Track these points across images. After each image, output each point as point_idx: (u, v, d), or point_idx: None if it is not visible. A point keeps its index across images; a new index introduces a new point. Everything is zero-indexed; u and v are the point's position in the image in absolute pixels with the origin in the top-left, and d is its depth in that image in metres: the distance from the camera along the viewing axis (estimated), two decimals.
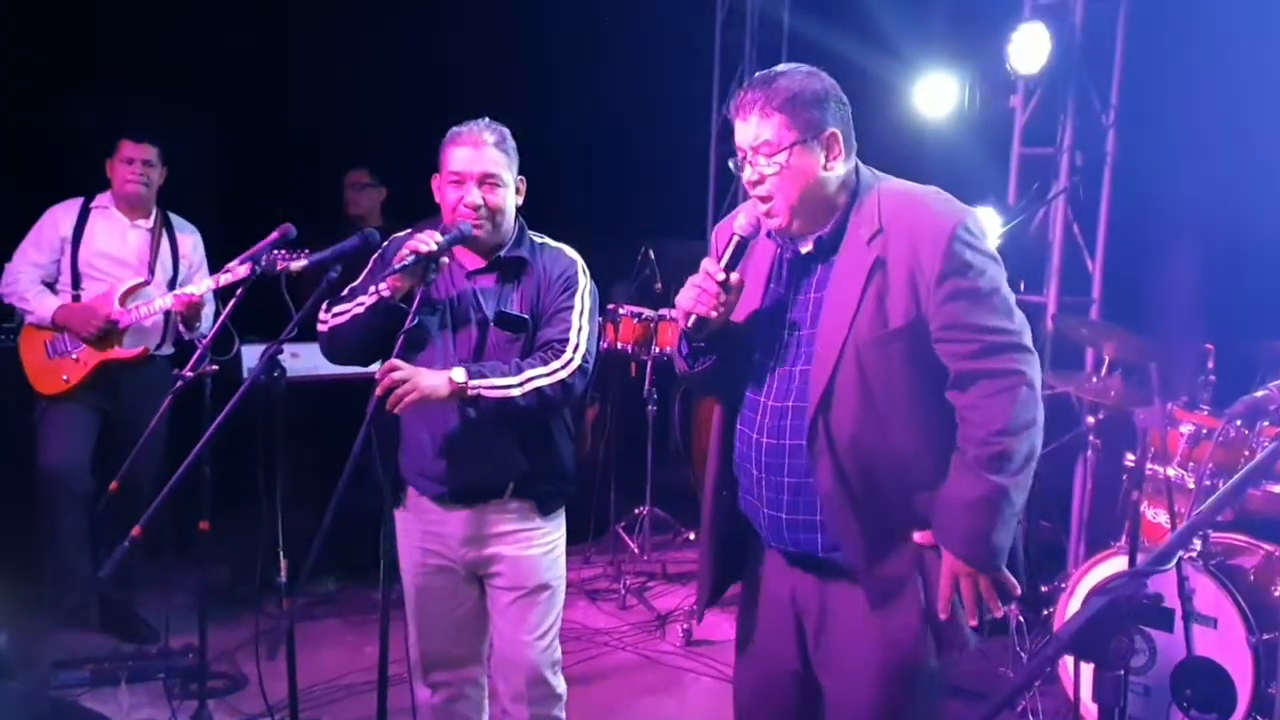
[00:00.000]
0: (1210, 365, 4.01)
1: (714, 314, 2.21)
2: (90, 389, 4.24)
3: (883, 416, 2.17)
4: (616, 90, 6.51)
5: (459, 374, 2.67)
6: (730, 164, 2.26)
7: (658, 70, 6.68)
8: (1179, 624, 3.63)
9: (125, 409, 4.25)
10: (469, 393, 2.66)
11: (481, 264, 2.85)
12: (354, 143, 5.91)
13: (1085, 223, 5.38)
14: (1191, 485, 3.81)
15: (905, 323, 2.14)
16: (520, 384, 2.70)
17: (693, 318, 2.22)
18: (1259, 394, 1.51)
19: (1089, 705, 2.73)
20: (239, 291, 3.24)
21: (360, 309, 2.75)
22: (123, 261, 4.32)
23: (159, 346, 4.39)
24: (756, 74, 2.25)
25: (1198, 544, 3.78)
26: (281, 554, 3.03)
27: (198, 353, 3.35)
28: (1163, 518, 4.19)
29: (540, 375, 2.71)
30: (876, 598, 2.21)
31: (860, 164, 2.28)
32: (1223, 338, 4.65)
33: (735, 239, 2.25)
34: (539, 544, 2.86)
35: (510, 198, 2.81)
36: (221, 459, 3.34)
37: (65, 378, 4.20)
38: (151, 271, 4.35)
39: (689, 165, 7.29)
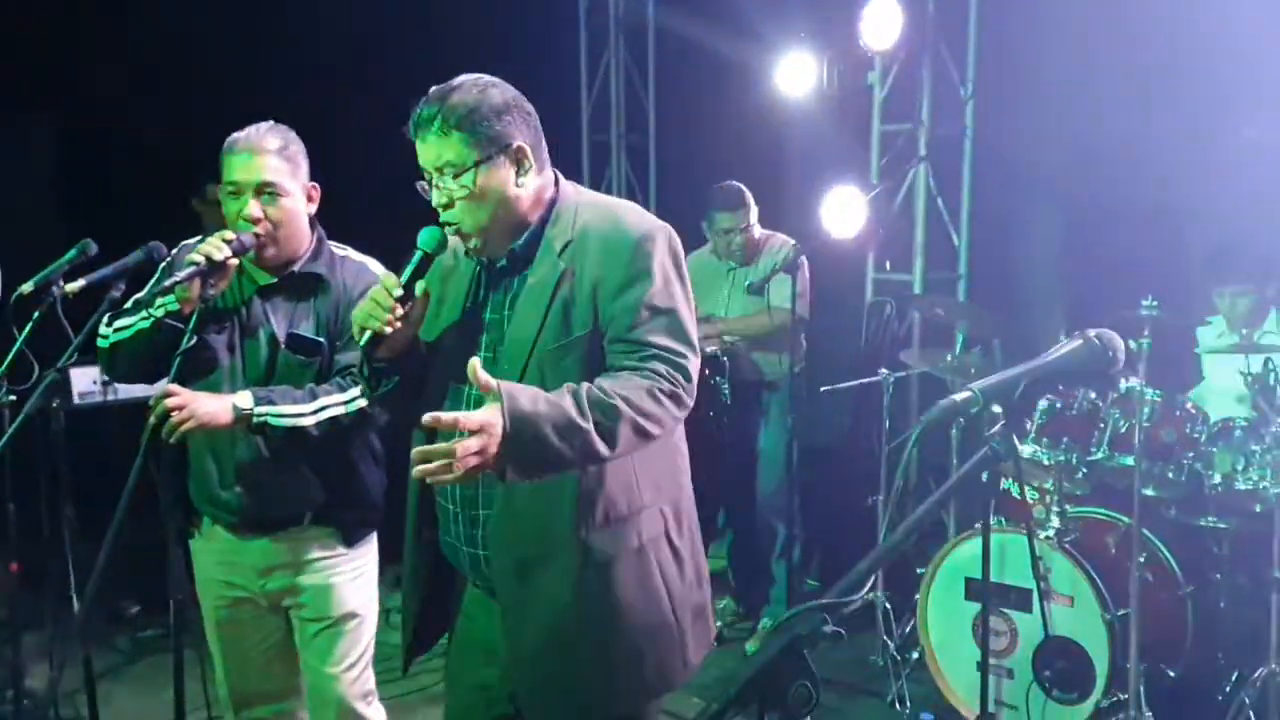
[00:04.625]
0: (1062, 336, 3.94)
1: (388, 330, 2.04)
2: None
3: None
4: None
5: (244, 399, 2.49)
6: (418, 187, 2.10)
7: (524, 61, 6.51)
8: (1038, 604, 3.59)
9: None
10: (255, 420, 2.47)
11: (272, 280, 2.65)
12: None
13: (949, 198, 5.34)
14: (1047, 461, 3.76)
15: (584, 332, 2.05)
16: (313, 412, 2.52)
17: (367, 334, 2.05)
18: (958, 397, 1.38)
19: None
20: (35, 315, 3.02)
21: (146, 323, 2.55)
22: None
23: None
24: (431, 89, 2.08)
25: (1056, 521, 3.74)
26: (74, 594, 2.81)
27: None
28: (1030, 494, 4.15)
29: (335, 403, 2.54)
30: None
31: (560, 176, 2.18)
32: (1079, 307, 4.65)
33: (418, 254, 2.10)
34: (343, 571, 2.69)
35: (294, 208, 2.61)
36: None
37: None
38: None
39: (564, 150, 7.13)
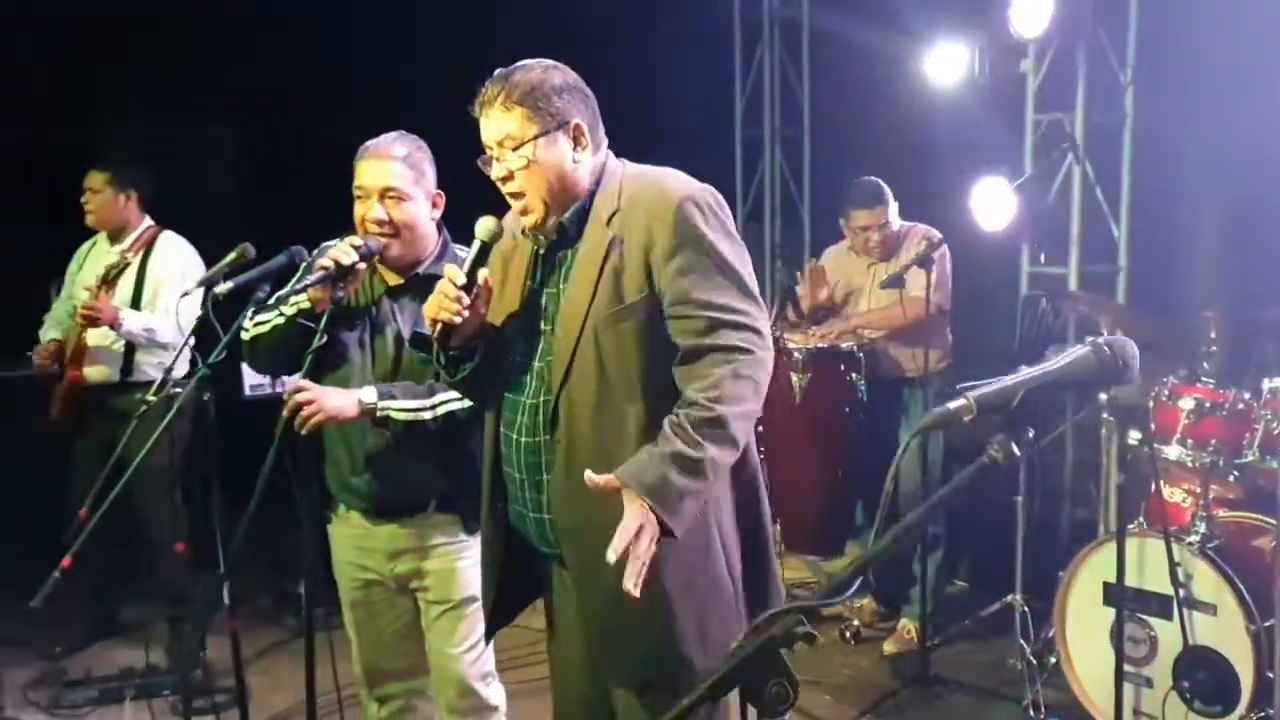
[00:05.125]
0: (1212, 335, 3.77)
1: (458, 319, 2.17)
2: (90, 418, 4.37)
3: (616, 398, 2.13)
4: (640, 75, 6.43)
5: (368, 394, 2.65)
6: (479, 162, 2.22)
7: (680, 53, 6.61)
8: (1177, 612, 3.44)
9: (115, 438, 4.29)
10: (378, 414, 2.64)
11: (400, 281, 2.82)
12: None
13: (1107, 188, 5.14)
14: (1192, 464, 3.60)
15: (638, 298, 2.11)
16: (431, 407, 2.67)
17: (439, 326, 2.18)
18: (952, 405, 1.38)
19: None
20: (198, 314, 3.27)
21: (281, 320, 2.75)
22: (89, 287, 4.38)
23: (125, 372, 4.43)
24: (496, 70, 2.20)
25: (1202, 526, 3.58)
26: (223, 574, 3.06)
27: (159, 378, 3.43)
28: (1179, 496, 3.99)
29: (453, 399, 2.67)
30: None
31: (612, 155, 2.27)
32: (1242, 304, 4.41)
33: (477, 244, 2.22)
34: (465, 556, 2.82)
35: (418, 212, 2.76)
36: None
37: (53, 410, 4.36)
38: (103, 293, 4.32)
39: (718, 144, 7.20)
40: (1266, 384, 3.42)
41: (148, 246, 4.48)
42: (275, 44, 6.02)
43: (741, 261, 2.14)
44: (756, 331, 2.08)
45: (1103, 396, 4.37)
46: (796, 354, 4.35)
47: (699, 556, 2.18)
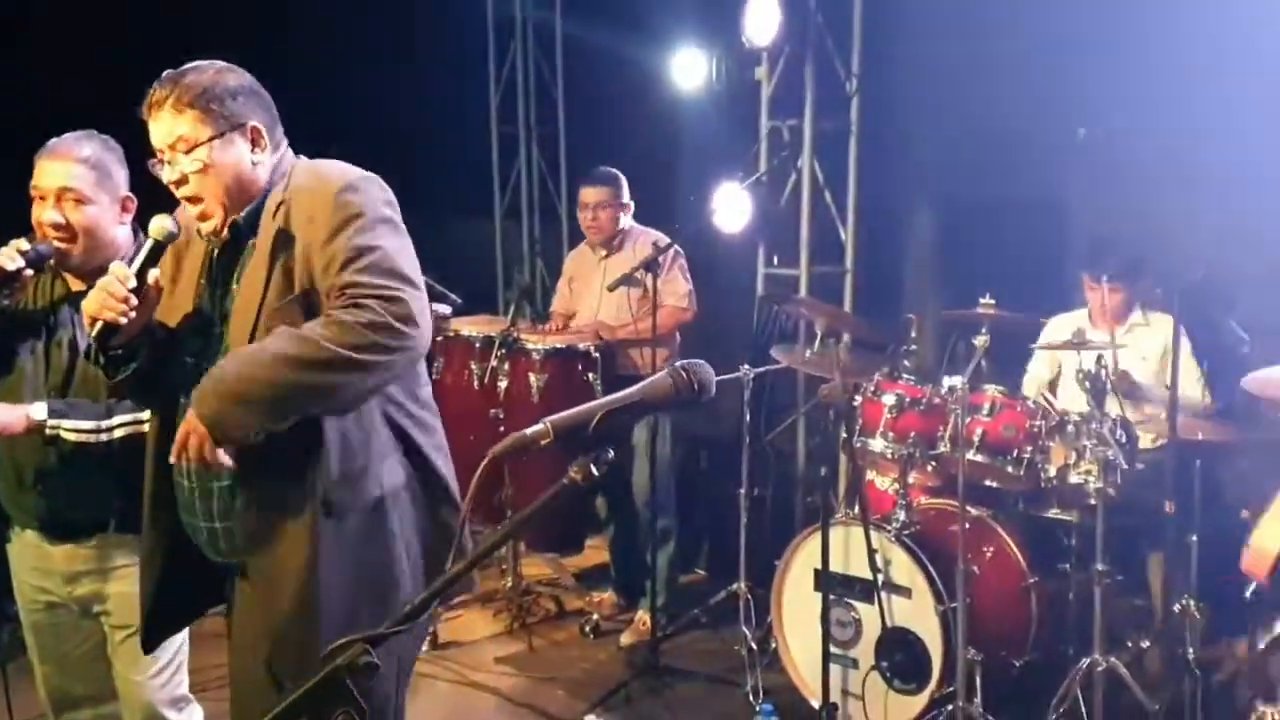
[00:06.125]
0: (913, 334, 4.01)
1: (123, 320, 2.10)
2: None
3: None
4: (393, 73, 6.31)
5: (38, 410, 2.50)
6: (150, 165, 2.17)
7: (435, 49, 6.53)
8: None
9: None
10: (47, 431, 2.50)
11: (83, 288, 2.66)
12: None
13: (836, 193, 5.39)
14: (892, 455, 3.82)
15: (306, 287, 2.10)
16: (108, 429, 2.54)
17: (99, 324, 2.10)
18: (529, 431, 1.43)
19: None
20: None
21: None
22: None
23: None
24: (165, 72, 2.15)
25: (902, 514, 3.81)
26: None
27: None
28: (887, 485, 4.23)
29: (130, 420, 2.55)
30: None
31: (290, 152, 2.26)
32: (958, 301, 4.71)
33: (150, 242, 2.15)
34: None
35: (101, 216, 2.61)
36: None
37: None
38: None
39: (475, 142, 7.17)
40: (946, 381, 3.65)
41: None
42: None
43: (398, 243, 2.11)
44: (401, 307, 2.02)
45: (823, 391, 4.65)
46: (534, 353, 4.38)
47: (381, 570, 2.18)
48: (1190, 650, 3.54)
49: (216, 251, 2.24)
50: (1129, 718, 3.46)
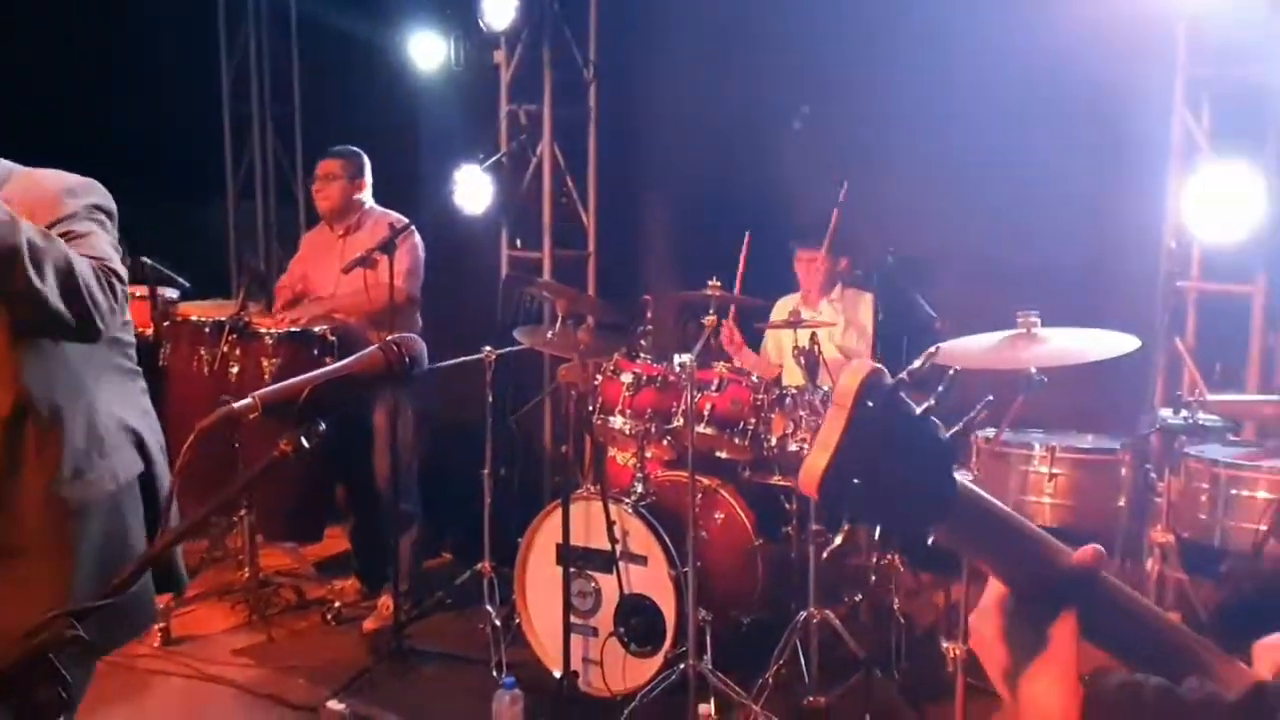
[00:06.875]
0: (649, 315, 4.17)
1: None
2: None
3: None
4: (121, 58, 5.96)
5: None
6: None
7: (163, 32, 6.21)
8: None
9: None
10: None
11: None
12: None
13: (578, 178, 5.50)
14: (630, 431, 3.96)
15: None
16: None
17: None
18: (238, 404, 1.45)
19: None
20: None
21: None
22: None
23: None
24: None
25: (639, 487, 3.96)
26: None
27: None
28: (627, 460, 4.38)
29: None
30: None
31: (4, 160, 2.23)
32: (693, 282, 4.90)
33: None
34: None
35: None
36: None
37: None
38: None
39: (206, 123, 6.88)
40: (676, 359, 3.84)
41: None
42: None
43: (109, 241, 2.16)
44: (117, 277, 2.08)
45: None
46: (267, 338, 4.28)
47: (116, 539, 2.20)
48: (895, 601, 3.87)
49: None
50: (842, 664, 3.73)
